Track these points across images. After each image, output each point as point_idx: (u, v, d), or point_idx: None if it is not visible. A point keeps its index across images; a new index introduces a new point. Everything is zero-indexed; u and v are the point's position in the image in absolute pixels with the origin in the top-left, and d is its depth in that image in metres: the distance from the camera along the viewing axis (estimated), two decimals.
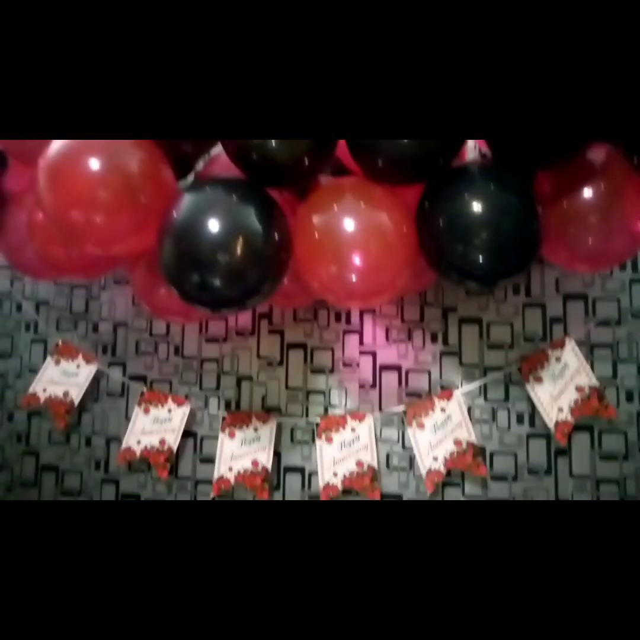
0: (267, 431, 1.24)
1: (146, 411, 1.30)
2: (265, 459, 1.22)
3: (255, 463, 1.22)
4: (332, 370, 1.28)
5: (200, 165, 1.11)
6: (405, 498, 1.21)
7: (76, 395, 1.33)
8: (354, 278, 0.86)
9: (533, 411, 1.18)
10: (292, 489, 1.27)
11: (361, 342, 1.28)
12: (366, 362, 1.27)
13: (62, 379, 1.35)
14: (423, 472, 1.16)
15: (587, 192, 0.86)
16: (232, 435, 1.25)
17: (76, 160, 0.84)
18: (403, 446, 1.23)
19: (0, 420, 1.44)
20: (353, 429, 1.21)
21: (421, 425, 1.18)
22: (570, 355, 1.15)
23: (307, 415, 1.28)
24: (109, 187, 0.84)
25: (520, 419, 1.20)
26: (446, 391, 1.19)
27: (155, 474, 1.29)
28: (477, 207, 0.83)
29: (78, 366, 1.35)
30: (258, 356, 1.33)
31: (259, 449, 1.23)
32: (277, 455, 1.26)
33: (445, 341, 1.24)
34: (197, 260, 0.82)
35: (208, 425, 1.32)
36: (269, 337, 1.33)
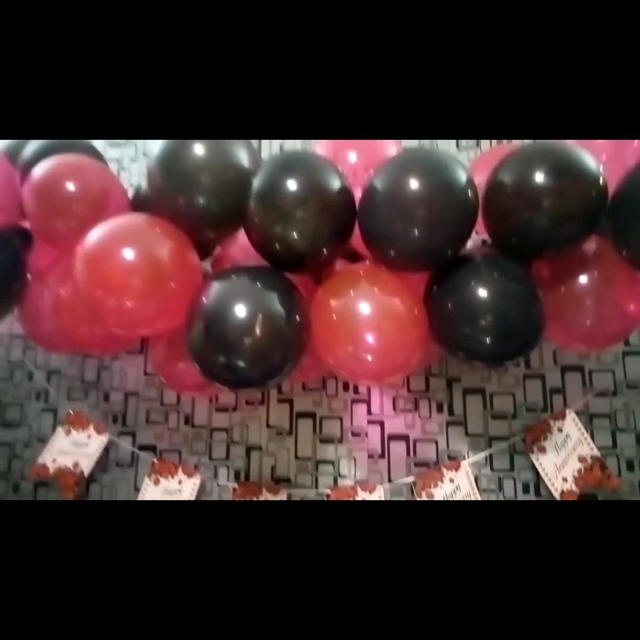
0: None
1: (156, 482, 1.30)
2: None
3: None
4: (341, 440, 1.31)
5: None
6: None
7: (86, 466, 1.33)
8: (369, 358, 0.91)
9: (538, 480, 1.21)
10: None
11: (369, 411, 1.32)
12: (374, 432, 1.31)
13: (73, 449, 1.36)
14: None
15: (582, 279, 0.94)
16: None
17: (111, 248, 0.91)
18: None
19: (4, 492, 1.43)
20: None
21: (430, 497, 1.20)
22: (571, 425, 1.20)
23: (316, 486, 1.29)
24: (141, 274, 0.90)
25: (526, 489, 1.23)
26: (454, 462, 1.23)
27: None
28: (482, 293, 0.90)
29: (89, 436, 1.36)
30: (268, 425, 1.36)
31: None
32: None
33: (450, 411, 1.29)
34: (224, 343, 0.87)
35: (217, 496, 1.33)
36: (279, 406, 1.36)
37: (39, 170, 1.03)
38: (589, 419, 1.23)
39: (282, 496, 1.26)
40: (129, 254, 0.90)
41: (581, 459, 1.17)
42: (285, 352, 0.90)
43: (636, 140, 0.94)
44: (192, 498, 1.28)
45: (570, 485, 1.16)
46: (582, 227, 0.82)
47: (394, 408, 1.31)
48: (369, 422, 1.31)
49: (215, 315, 0.88)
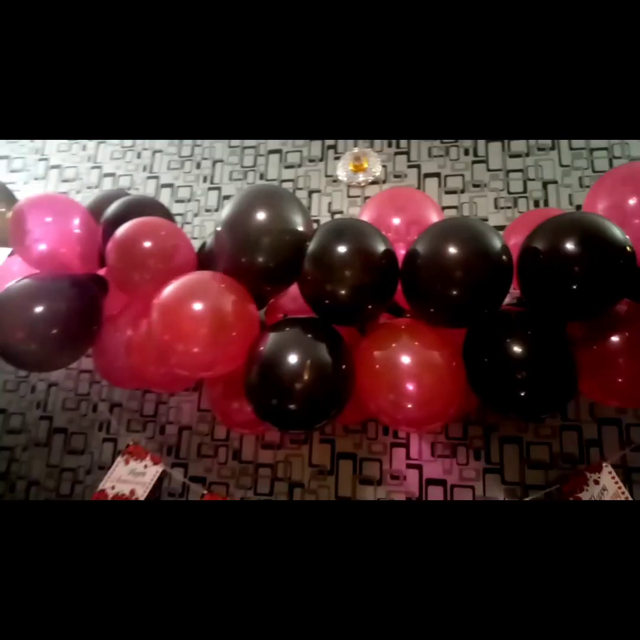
0: None
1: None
2: None
3: None
4: (380, 482, 1.37)
5: None
6: None
7: (141, 494, 1.44)
8: (409, 406, 0.99)
9: None
10: None
11: (408, 455, 1.38)
12: (412, 475, 1.36)
13: (130, 477, 1.47)
14: None
15: (614, 339, 1.00)
16: None
17: (183, 301, 1.04)
18: None
19: None
20: None
21: None
22: (608, 478, 1.22)
23: None
24: (207, 324, 1.02)
25: None
26: None
27: None
28: (517, 349, 0.97)
29: (145, 466, 1.47)
30: (310, 464, 1.43)
31: None
32: None
33: (488, 459, 1.33)
34: (277, 387, 0.97)
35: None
36: (321, 446, 1.44)
37: (122, 229, 1.18)
38: (626, 473, 1.24)
39: None
40: (198, 306, 1.02)
41: None
42: (332, 398, 0.99)
43: None
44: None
45: None
46: (610, 294, 0.89)
47: (433, 453, 1.36)
48: (408, 465, 1.37)
49: (271, 362, 0.98)
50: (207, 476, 1.49)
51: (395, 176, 1.62)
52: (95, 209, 1.40)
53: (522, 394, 0.96)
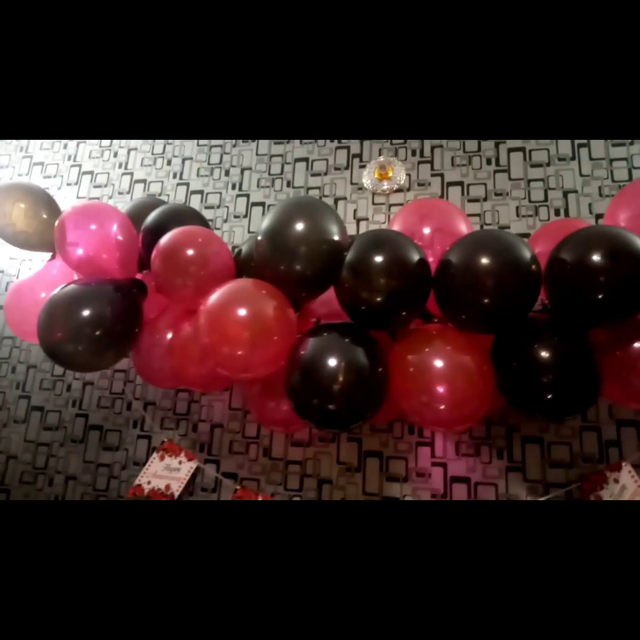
0: None
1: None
2: None
3: None
4: (406, 479, 1.43)
5: None
6: None
7: (177, 489, 1.51)
8: (442, 407, 1.05)
9: None
10: None
11: (433, 454, 1.44)
12: (437, 473, 1.42)
13: (165, 473, 1.54)
14: None
15: (636, 345, 1.05)
16: None
17: (228, 307, 1.10)
18: None
19: None
20: None
21: None
22: (627, 477, 1.27)
23: None
24: (251, 328, 1.08)
25: None
26: None
27: None
28: (544, 354, 1.02)
29: (180, 462, 1.54)
30: (338, 462, 1.49)
31: None
32: None
33: (510, 458, 1.39)
34: (317, 388, 1.03)
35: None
36: (348, 445, 1.50)
37: (166, 238, 1.25)
38: None
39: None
40: (242, 311, 1.09)
41: None
42: (369, 398, 1.05)
43: None
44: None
45: None
46: (633, 302, 0.94)
47: (457, 452, 1.42)
48: (433, 463, 1.43)
49: (312, 364, 1.05)
50: (238, 472, 1.55)
51: (419, 184, 1.68)
52: (133, 216, 1.47)
53: (548, 397, 1.02)
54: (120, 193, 1.95)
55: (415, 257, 1.06)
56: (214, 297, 1.11)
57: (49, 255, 1.70)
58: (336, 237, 1.14)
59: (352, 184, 1.74)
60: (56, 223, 1.36)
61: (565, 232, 1.04)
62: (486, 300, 1.00)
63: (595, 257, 0.95)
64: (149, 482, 1.54)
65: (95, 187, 1.99)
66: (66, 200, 1.98)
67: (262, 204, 1.80)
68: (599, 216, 1.50)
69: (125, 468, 1.64)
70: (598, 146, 1.56)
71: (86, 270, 1.41)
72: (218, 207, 1.83)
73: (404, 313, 1.09)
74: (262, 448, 1.56)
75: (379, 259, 1.05)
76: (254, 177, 1.83)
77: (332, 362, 1.03)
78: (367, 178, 1.72)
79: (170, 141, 1.96)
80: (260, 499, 1.46)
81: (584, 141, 1.58)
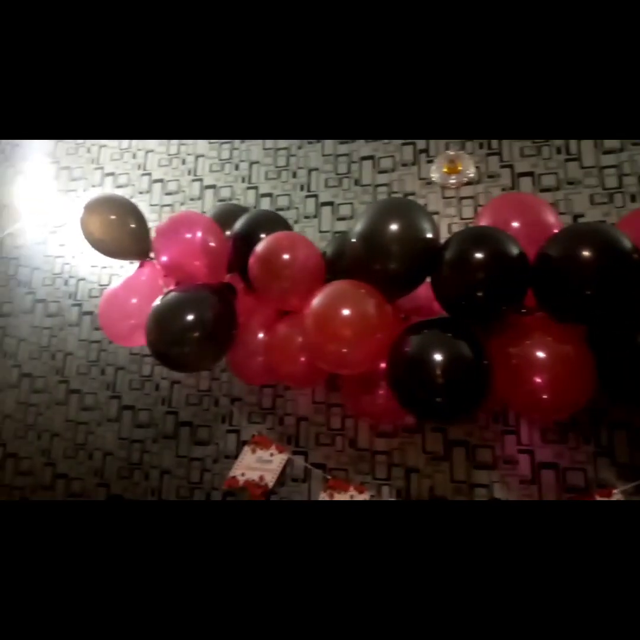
0: None
1: (330, 496, 1.53)
2: None
3: None
4: (493, 467, 1.48)
5: None
6: None
7: (270, 480, 1.60)
8: (545, 396, 1.09)
9: None
10: None
11: (519, 441, 1.48)
12: (525, 460, 1.46)
13: (258, 465, 1.63)
14: None
15: None
16: None
17: (332, 307, 1.16)
18: None
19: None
20: None
21: None
22: None
23: None
24: (356, 327, 1.14)
25: None
26: (606, 490, 1.35)
27: None
28: None
29: (271, 454, 1.63)
30: (424, 451, 1.55)
31: None
32: None
33: (597, 443, 1.41)
34: (425, 381, 1.09)
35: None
36: (433, 435, 1.55)
37: (262, 244, 1.32)
38: None
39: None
40: (346, 311, 1.15)
41: None
42: (476, 391, 1.09)
43: None
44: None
45: None
46: None
47: (543, 439, 1.46)
48: (519, 451, 1.47)
49: (418, 359, 1.10)
50: (326, 463, 1.62)
51: (489, 176, 1.70)
52: (221, 222, 1.54)
53: None
54: (191, 199, 2.03)
55: (515, 251, 1.09)
56: (318, 300, 1.17)
57: (124, 262, 1.80)
58: (429, 235, 1.19)
59: (420, 179, 1.78)
60: (153, 233, 1.44)
61: None
62: (589, 293, 1.03)
63: None
64: (243, 474, 1.63)
65: (166, 194, 2.08)
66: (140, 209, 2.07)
67: (331, 203, 1.85)
68: None
69: (216, 461, 1.74)
70: None
71: (180, 276, 1.49)
72: (288, 208, 1.89)
73: (504, 307, 1.13)
74: (348, 439, 1.63)
75: (480, 254, 1.08)
76: (322, 178, 1.89)
77: (439, 356, 1.08)
78: (436, 172, 1.75)
79: (236, 146, 2.03)
80: (351, 488, 1.53)
81: None
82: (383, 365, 1.25)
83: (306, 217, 1.87)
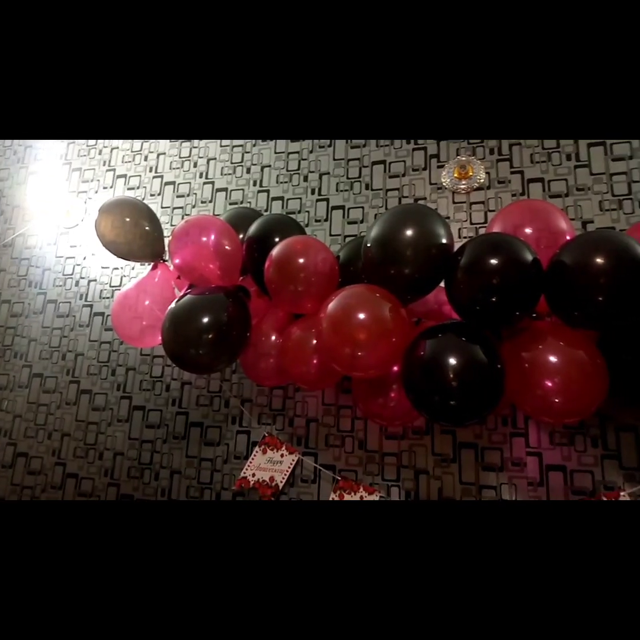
0: None
1: (340, 497, 1.55)
2: None
3: None
4: (501, 469, 1.50)
5: None
6: None
7: (280, 480, 1.61)
8: (557, 400, 1.11)
9: None
10: None
11: (527, 443, 1.49)
12: (533, 462, 1.48)
13: (268, 465, 1.64)
14: None
15: None
16: None
17: (348, 311, 1.18)
18: None
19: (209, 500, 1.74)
20: None
21: None
22: None
23: None
24: (371, 331, 1.16)
25: None
26: (613, 492, 1.37)
27: None
28: None
29: (282, 455, 1.64)
30: (433, 453, 1.57)
31: None
32: None
33: (605, 446, 1.43)
34: (440, 385, 1.10)
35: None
36: (442, 437, 1.57)
37: (278, 248, 1.34)
38: None
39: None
40: (361, 315, 1.16)
41: None
42: (489, 394, 1.11)
43: None
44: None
45: None
46: None
47: (551, 441, 1.48)
48: (528, 453, 1.49)
49: (433, 362, 1.12)
50: (336, 464, 1.64)
51: (499, 182, 1.72)
52: (236, 226, 1.56)
53: None
54: (203, 202, 2.05)
55: (530, 258, 1.11)
56: (334, 303, 1.19)
57: (135, 263, 1.81)
58: (444, 240, 1.21)
59: (431, 184, 1.80)
60: (170, 236, 1.46)
61: None
62: (603, 299, 1.05)
63: None
64: (253, 475, 1.65)
65: (178, 196, 2.10)
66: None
67: (342, 207, 1.87)
68: None
69: (226, 462, 1.76)
70: None
71: (194, 278, 1.51)
72: (299, 212, 1.91)
73: (517, 312, 1.15)
74: (357, 441, 1.64)
75: (495, 260, 1.10)
76: (333, 182, 1.91)
77: (454, 360, 1.10)
78: (447, 177, 1.77)
79: (247, 150, 2.05)
80: (360, 488, 1.54)
81: None
82: (396, 368, 1.28)
83: (317, 221, 1.89)
